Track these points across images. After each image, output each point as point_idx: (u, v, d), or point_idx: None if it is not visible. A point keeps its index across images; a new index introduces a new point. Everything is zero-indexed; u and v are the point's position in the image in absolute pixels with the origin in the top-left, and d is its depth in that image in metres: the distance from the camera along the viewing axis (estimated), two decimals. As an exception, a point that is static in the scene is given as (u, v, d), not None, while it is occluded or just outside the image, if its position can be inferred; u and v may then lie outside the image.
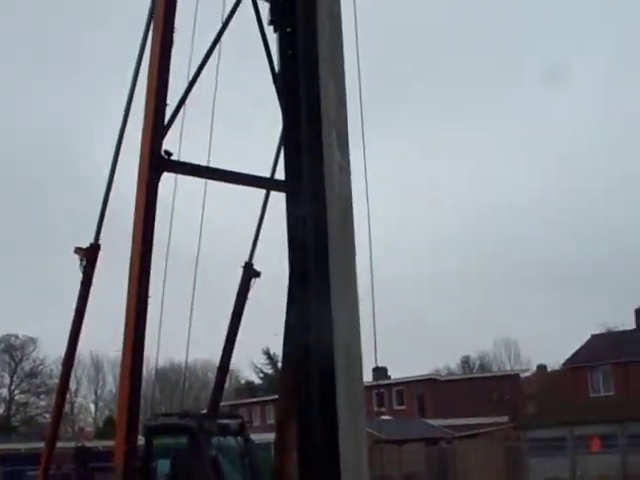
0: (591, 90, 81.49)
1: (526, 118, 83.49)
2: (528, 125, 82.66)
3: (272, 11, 12.60)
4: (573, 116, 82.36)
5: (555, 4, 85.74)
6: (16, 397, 71.64)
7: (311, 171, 10.59)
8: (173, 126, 12.01)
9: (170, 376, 62.02)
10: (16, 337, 69.32)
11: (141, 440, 13.08)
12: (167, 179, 12.09)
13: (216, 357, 15.24)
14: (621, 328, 55.26)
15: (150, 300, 12.16)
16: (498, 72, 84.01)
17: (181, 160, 12.03)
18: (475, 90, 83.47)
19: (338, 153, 9.74)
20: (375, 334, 9.84)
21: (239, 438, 13.78)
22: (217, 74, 12.41)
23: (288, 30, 12.03)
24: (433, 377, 60.63)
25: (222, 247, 15.42)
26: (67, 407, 52.37)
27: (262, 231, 14.08)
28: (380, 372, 46.76)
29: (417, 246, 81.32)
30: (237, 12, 13.28)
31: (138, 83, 13.05)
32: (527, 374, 67.16)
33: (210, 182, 12.89)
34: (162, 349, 13.11)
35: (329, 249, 10.12)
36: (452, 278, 78.74)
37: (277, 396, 17.80)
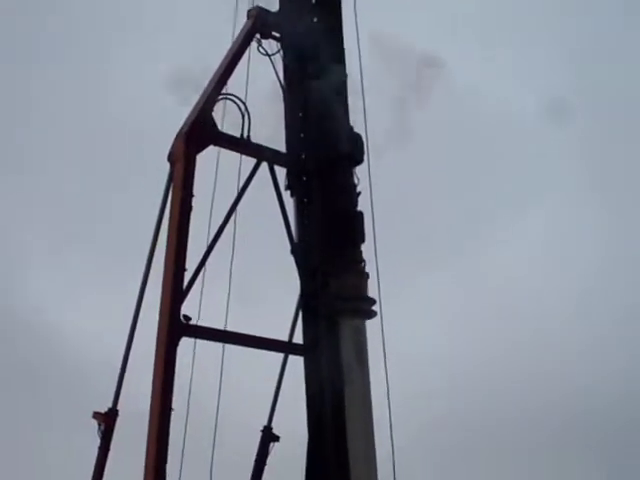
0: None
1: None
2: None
3: (288, 177, 13.12)
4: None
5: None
6: None
7: (328, 336, 10.79)
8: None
9: None
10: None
11: None
12: (185, 341, 12.10)
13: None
14: None
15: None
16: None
17: (199, 325, 12.08)
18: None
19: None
20: None
21: None
22: (234, 240, 12.62)
23: (305, 200, 12.53)
24: None
25: (240, 411, 15.27)
26: None
27: (281, 394, 13.96)
28: None
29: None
30: (255, 176, 13.53)
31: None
32: None
33: (228, 345, 12.89)
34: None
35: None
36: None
37: None
